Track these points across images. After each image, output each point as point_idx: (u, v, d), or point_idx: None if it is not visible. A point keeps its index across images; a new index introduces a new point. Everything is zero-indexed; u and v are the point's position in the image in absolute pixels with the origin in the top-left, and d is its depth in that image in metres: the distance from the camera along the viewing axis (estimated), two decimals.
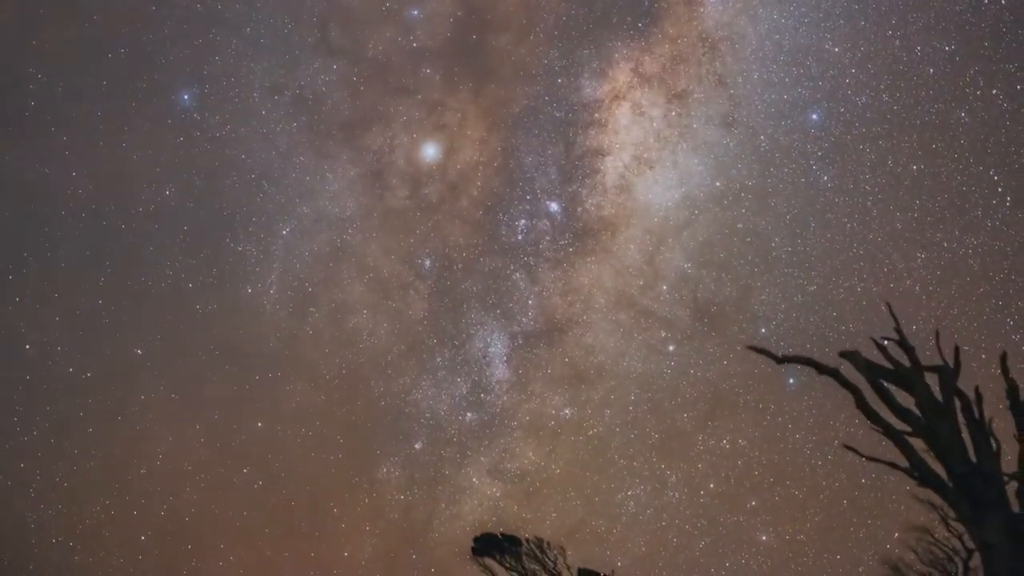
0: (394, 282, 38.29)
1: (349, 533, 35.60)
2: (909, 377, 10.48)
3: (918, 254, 34.78)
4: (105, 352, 35.18)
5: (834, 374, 10.64)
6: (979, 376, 10.86)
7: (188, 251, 36.33)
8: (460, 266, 38.55)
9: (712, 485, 35.93)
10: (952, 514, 9.89)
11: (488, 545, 21.93)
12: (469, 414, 37.49)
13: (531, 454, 37.35)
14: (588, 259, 38.20)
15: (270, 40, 36.28)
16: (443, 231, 38.53)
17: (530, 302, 38.25)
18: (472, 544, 22.24)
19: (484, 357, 38.33)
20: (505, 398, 37.94)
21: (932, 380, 10.54)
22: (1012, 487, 9.81)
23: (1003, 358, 10.41)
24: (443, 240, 38.55)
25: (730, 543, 34.95)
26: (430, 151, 37.98)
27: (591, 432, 37.15)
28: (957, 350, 10.52)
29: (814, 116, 36.14)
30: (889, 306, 10.94)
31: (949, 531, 10.14)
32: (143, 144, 35.60)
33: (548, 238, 38.53)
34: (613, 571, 22.18)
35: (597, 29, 37.60)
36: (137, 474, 34.89)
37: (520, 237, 38.59)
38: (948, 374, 10.40)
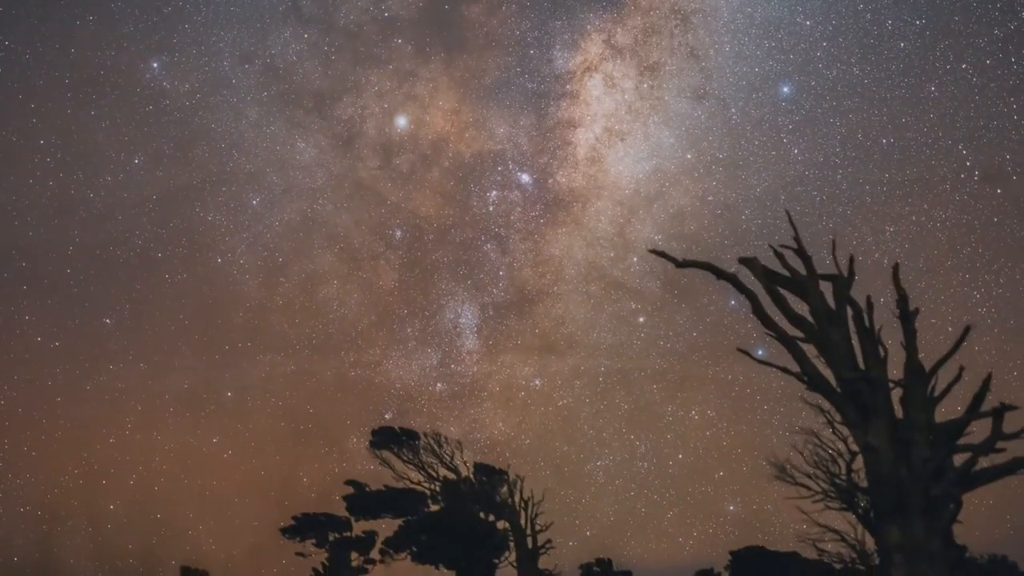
0: (364, 252, 38.44)
1: (319, 503, 35.70)
2: (804, 285, 10.51)
3: (887, 227, 34.91)
4: (73, 321, 35.35)
5: (732, 279, 10.69)
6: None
7: (157, 220, 36.47)
8: (431, 237, 38.67)
9: (681, 456, 36.12)
10: (838, 418, 9.93)
11: (386, 438, 21.90)
12: (439, 384, 37.68)
13: (501, 424, 37.52)
14: (559, 230, 38.32)
15: (240, 8, 36.41)
16: (414, 202, 38.65)
17: (501, 273, 38.40)
18: (371, 437, 22.20)
19: (455, 328, 38.50)
20: (475, 369, 38.10)
21: (827, 289, 10.58)
22: (896, 393, 9.84)
23: (895, 269, 10.43)
24: (414, 211, 38.69)
25: (698, 513, 35.15)
26: (401, 121, 38.11)
27: (561, 403, 37.33)
28: (852, 260, 10.54)
29: (785, 89, 36.28)
30: (788, 214, 10.98)
31: (835, 434, 10.23)
32: (111, 112, 35.75)
33: (519, 209, 38.67)
34: (509, 466, 22.23)
35: (570, 0, 37.65)
36: (106, 443, 35.08)
37: (491, 208, 38.77)
38: (842, 283, 10.43)
